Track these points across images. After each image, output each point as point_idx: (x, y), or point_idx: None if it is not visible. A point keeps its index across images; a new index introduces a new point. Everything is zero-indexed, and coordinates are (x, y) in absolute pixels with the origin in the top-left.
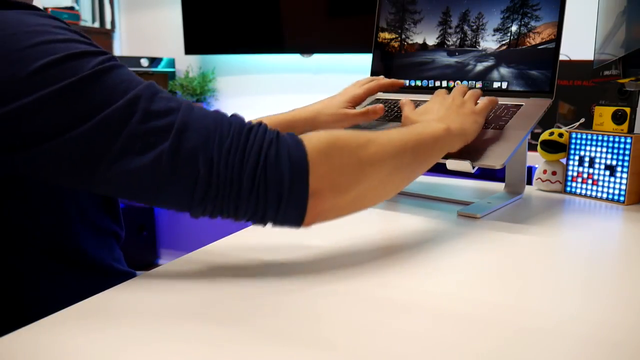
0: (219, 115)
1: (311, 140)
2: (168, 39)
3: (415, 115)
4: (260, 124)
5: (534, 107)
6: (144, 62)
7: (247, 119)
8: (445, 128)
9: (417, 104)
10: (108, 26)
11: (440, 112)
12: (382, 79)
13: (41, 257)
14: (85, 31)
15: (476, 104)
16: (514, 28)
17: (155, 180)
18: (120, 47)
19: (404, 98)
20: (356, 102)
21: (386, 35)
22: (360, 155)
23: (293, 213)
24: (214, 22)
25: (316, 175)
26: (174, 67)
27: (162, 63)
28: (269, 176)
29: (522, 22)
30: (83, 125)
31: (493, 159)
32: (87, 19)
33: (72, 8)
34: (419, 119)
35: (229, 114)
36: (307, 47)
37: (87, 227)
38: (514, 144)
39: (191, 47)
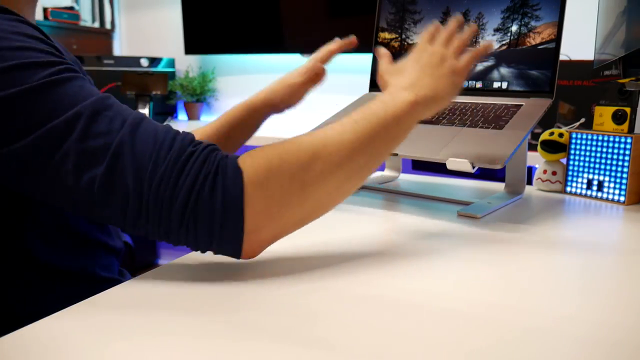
0: (162, 137)
1: (248, 169)
2: (168, 39)
3: (387, 76)
4: (204, 148)
5: (534, 107)
6: (144, 62)
7: (197, 141)
8: (412, 101)
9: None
10: (108, 26)
11: (413, 73)
12: (329, 46)
13: (15, 265)
14: (85, 31)
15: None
16: (514, 28)
17: (89, 202)
18: (120, 47)
19: (382, 48)
20: (308, 73)
21: (386, 35)
22: (303, 178)
23: (228, 249)
24: (214, 22)
25: (253, 212)
26: (174, 67)
27: (162, 63)
28: (199, 216)
29: (522, 22)
30: (21, 140)
31: (493, 159)
32: (87, 19)
33: (72, 8)
34: (390, 80)
35: (179, 131)
36: (307, 47)
37: (65, 236)
38: (514, 144)
39: (191, 47)
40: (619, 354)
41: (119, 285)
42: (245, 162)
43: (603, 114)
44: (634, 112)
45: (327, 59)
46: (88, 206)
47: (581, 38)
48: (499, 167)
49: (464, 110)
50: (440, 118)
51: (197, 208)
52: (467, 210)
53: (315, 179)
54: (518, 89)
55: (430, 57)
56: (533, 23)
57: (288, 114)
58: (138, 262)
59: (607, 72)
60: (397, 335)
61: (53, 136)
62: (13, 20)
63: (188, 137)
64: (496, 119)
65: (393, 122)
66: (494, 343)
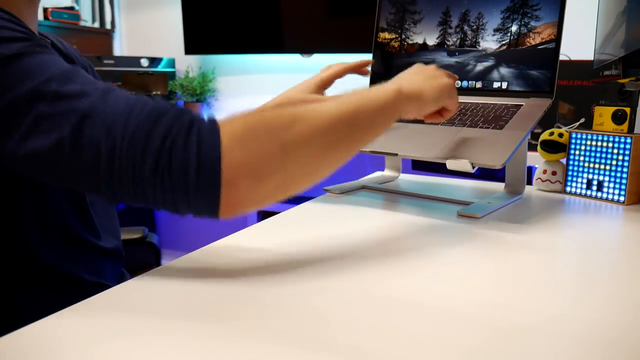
0: (134, 99)
1: (226, 125)
2: (168, 39)
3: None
4: (179, 108)
5: (534, 107)
6: (144, 62)
7: (172, 105)
8: (396, 89)
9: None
10: (108, 26)
11: (403, 74)
12: (348, 63)
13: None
14: (85, 31)
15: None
16: (514, 28)
17: (59, 164)
18: (120, 47)
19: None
20: (324, 85)
21: (386, 35)
22: (283, 138)
23: (203, 203)
24: (214, 22)
25: (230, 163)
26: (174, 67)
27: (162, 63)
28: (173, 164)
29: (522, 22)
30: None
31: (493, 158)
32: (87, 19)
33: (72, 8)
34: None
35: (152, 101)
36: (307, 47)
37: (53, 235)
38: (514, 144)
39: (191, 47)
40: (619, 354)
41: (118, 286)
42: (223, 119)
43: (603, 114)
44: (633, 112)
45: (342, 74)
46: (58, 171)
47: (581, 38)
48: (499, 167)
49: (463, 110)
50: None
51: (172, 158)
52: (467, 210)
53: (296, 140)
54: (518, 89)
55: (423, 68)
56: (533, 23)
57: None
58: (138, 262)
59: (607, 72)
60: (397, 334)
61: (23, 99)
62: None
63: (162, 101)
64: (496, 119)
65: (375, 107)
66: (493, 342)
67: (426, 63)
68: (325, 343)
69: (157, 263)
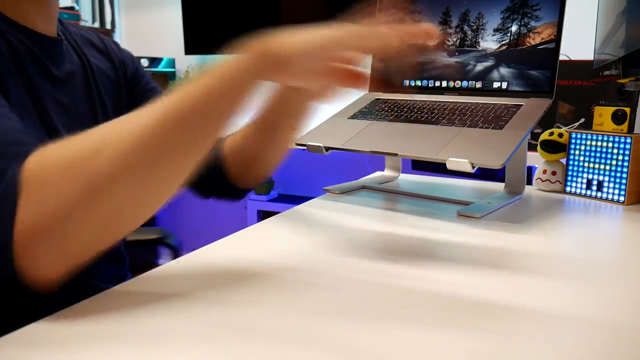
0: None
1: (26, 170)
2: (168, 39)
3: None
4: (16, 153)
5: (533, 107)
6: (144, 62)
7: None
8: (232, 59)
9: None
10: (108, 26)
11: (294, 33)
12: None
13: None
14: None
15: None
16: (514, 28)
17: None
18: None
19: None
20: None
21: None
22: (88, 173)
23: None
24: (214, 22)
25: (22, 225)
26: (174, 67)
27: (162, 63)
28: None
29: (522, 22)
30: None
31: (493, 158)
32: (87, 19)
33: (72, 8)
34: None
35: (21, 143)
36: None
37: None
38: (514, 144)
39: (191, 47)
40: (619, 354)
41: (118, 285)
42: (31, 159)
43: (603, 114)
44: (633, 112)
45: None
46: None
47: (581, 38)
48: (498, 167)
49: (463, 110)
50: (440, 118)
51: None
52: (467, 210)
53: (103, 171)
54: (518, 89)
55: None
56: (533, 23)
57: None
58: (138, 262)
59: (606, 72)
60: (396, 335)
61: None
62: None
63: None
64: (496, 119)
65: (202, 91)
66: (493, 342)
67: (426, 63)
68: (324, 343)
69: (176, 255)
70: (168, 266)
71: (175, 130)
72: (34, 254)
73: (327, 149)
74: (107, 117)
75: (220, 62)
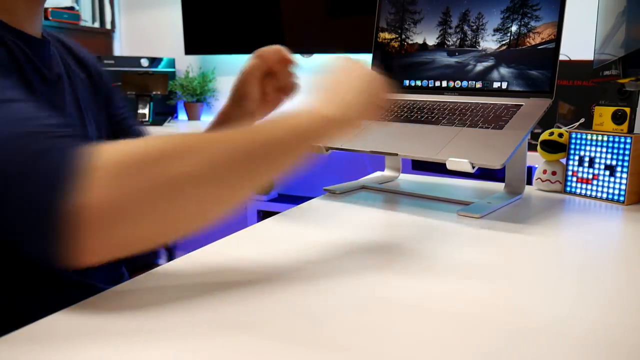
0: (17, 118)
1: (101, 157)
2: (168, 39)
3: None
4: (65, 139)
5: (534, 107)
6: (144, 62)
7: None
8: (316, 117)
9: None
10: (108, 26)
11: (333, 86)
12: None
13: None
14: (85, 31)
15: None
16: (514, 28)
17: None
18: (120, 47)
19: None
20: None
21: (386, 35)
22: (166, 173)
23: (53, 247)
24: (214, 22)
25: (92, 204)
26: (174, 67)
27: (162, 63)
28: (32, 200)
29: (522, 22)
30: None
31: (493, 159)
32: (87, 19)
33: (72, 8)
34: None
35: (39, 118)
36: (307, 47)
37: None
38: (514, 144)
39: (191, 47)
40: (620, 354)
41: (118, 286)
42: (105, 148)
43: (603, 114)
44: (633, 112)
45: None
46: None
47: (581, 38)
48: (498, 167)
49: (463, 110)
50: (440, 118)
51: (31, 192)
52: (467, 210)
53: (181, 176)
54: (518, 89)
55: (353, 77)
56: (533, 23)
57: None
58: (138, 262)
59: (606, 72)
60: (396, 335)
61: None
62: None
63: (43, 122)
64: (496, 119)
65: (289, 136)
66: (493, 342)
67: (426, 63)
68: (323, 343)
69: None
70: (168, 266)
71: (256, 161)
72: (91, 235)
73: (327, 148)
74: (90, 122)
75: (293, 118)
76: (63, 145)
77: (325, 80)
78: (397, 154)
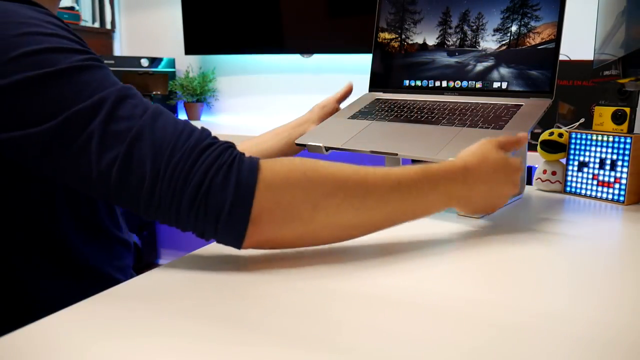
0: (181, 127)
1: (267, 171)
2: (168, 39)
3: (462, 158)
4: (223, 143)
5: (533, 107)
6: (144, 62)
7: (216, 137)
8: (446, 201)
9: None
10: (108, 26)
11: (486, 184)
12: (334, 96)
13: (35, 256)
14: (86, 31)
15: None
16: (513, 28)
17: (107, 183)
18: (120, 47)
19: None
20: (316, 122)
21: (386, 35)
22: (318, 203)
23: (229, 237)
24: (214, 22)
25: (260, 207)
26: (174, 67)
27: (162, 63)
28: (209, 200)
29: (522, 22)
30: (49, 122)
31: None
32: (87, 19)
33: (72, 8)
34: (464, 163)
35: (199, 128)
36: (307, 47)
37: (82, 229)
38: None
39: (191, 47)
40: (618, 353)
41: (119, 285)
42: (267, 165)
43: (603, 114)
44: (633, 112)
45: (343, 99)
46: (106, 187)
47: (581, 38)
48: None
49: (463, 110)
50: (440, 118)
51: (209, 194)
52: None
53: (328, 209)
54: (518, 89)
55: (497, 179)
56: (533, 23)
57: (289, 113)
58: (137, 262)
59: (606, 72)
60: (395, 334)
61: (79, 118)
62: (41, 12)
63: (206, 132)
64: (496, 119)
65: (419, 210)
66: (492, 342)
67: (426, 63)
68: (322, 342)
69: (139, 261)
70: (168, 266)
71: (390, 218)
72: (258, 227)
73: (327, 149)
74: None
75: (439, 203)
76: (239, 155)
77: (486, 165)
78: (396, 154)
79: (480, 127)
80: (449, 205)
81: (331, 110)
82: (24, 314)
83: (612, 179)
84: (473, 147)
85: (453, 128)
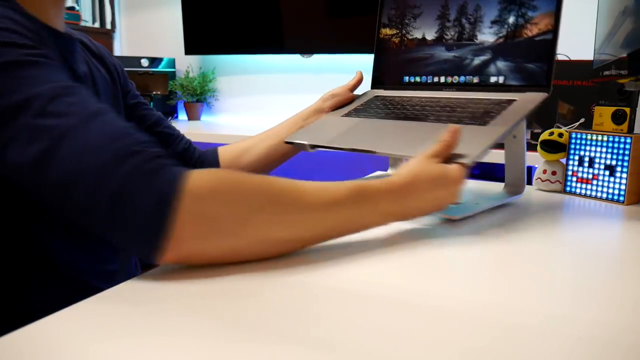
0: (117, 131)
1: (196, 180)
2: (168, 39)
3: (400, 175)
4: (154, 152)
5: (526, 102)
6: (144, 62)
7: (162, 149)
8: (387, 217)
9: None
10: (108, 26)
11: (422, 199)
12: (345, 86)
13: (19, 263)
14: (86, 31)
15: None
16: (511, 20)
17: (30, 180)
18: (120, 47)
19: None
20: (323, 112)
21: (388, 31)
22: (250, 215)
23: (145, 249)
24: (214, 22)
25: (181, 221)
26: (174, 67)
27: (162, 63)
28: (127, 207)
29: (519, 14)
30: None
31: (464, 154)
32: (87, 19)
33: (72, 8)
34: (400, 181)
35: (142, 136)
36: (307, 47)
37: (63, 234)
38: (489, 140)
39: (191, 47)
40: (618, 354)
41: (119, 285)
42: (195, 175)
43: (603, 114)
44: (633, 112)
45: (355, 88)
46: (31, 185)
47: (581, 38)
48: (469, 164)
49: (455, 107)
50: (430, 115)
51: (126, 204)
52: (448, 213)
53: (260, 222)
54: (514, 83)
55: (446, 191)
56: (530, 14)
57: (289, 114)
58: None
59: (606, 72)
60: (393, 334)
61: (10, 111)
62: (5, 7)
63: (145, 139)
64: (484, 115)
65: (359, 226)
66: (491, 342)
67: (425, 59)
68: (322, 342)
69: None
70: (168, 266)
71: (327, 233)
72: (180, 243)
73: (313, 146)
74: None
75: (380, 219)
76: (167, 164)
77: (421, 181)
78: (374, 152)
79: (464, 123)
80: (385, 222)
81: (345, 99)
82: (22, 318)
83: (612, 179)
84: (410, 162)
85: (437, 125)
